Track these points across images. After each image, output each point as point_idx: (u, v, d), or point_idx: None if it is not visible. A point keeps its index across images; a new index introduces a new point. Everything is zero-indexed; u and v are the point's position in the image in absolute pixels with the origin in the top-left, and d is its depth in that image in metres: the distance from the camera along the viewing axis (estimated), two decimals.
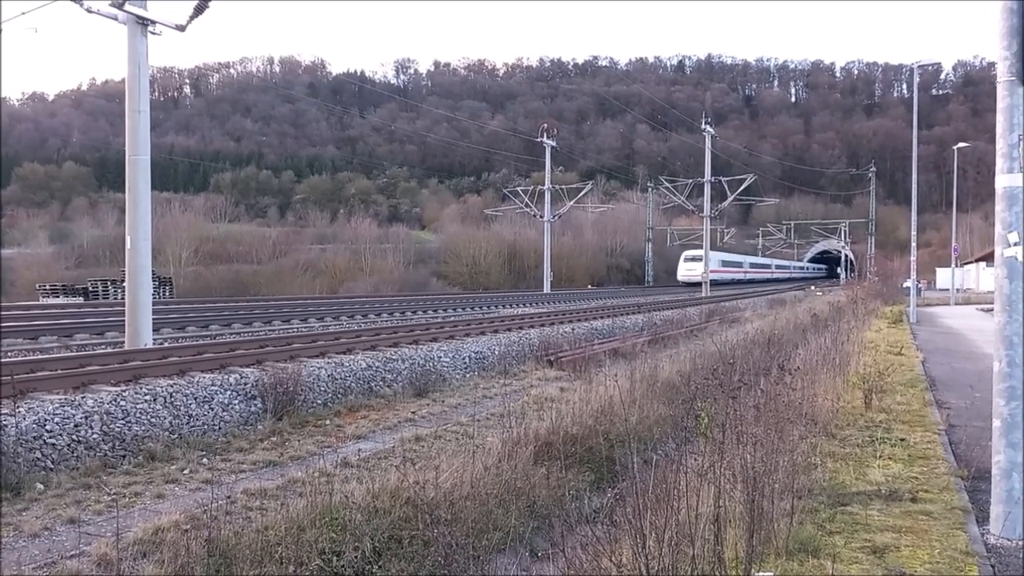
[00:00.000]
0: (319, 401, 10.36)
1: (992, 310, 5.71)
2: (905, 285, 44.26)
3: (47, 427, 7.23)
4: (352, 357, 12.31)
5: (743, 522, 4.45)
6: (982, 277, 66.44)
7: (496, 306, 30.34)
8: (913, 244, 31.34)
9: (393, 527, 5.03)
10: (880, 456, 7.20)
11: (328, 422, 9.40)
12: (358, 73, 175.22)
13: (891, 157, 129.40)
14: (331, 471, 6.45)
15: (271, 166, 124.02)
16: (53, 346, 13.74)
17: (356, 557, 4.74)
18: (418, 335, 15.50)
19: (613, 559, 4.12)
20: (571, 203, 55.33)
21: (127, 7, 12.76)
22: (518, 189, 56.33)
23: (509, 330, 18.23)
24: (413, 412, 10.25)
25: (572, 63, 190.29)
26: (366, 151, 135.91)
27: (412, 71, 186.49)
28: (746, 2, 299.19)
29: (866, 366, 11.65)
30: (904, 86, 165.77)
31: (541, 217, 50.47)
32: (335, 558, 4.70)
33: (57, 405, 7.65)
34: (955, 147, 46.30)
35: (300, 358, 11.74)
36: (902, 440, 7.93)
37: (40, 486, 6.40)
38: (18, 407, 7.24)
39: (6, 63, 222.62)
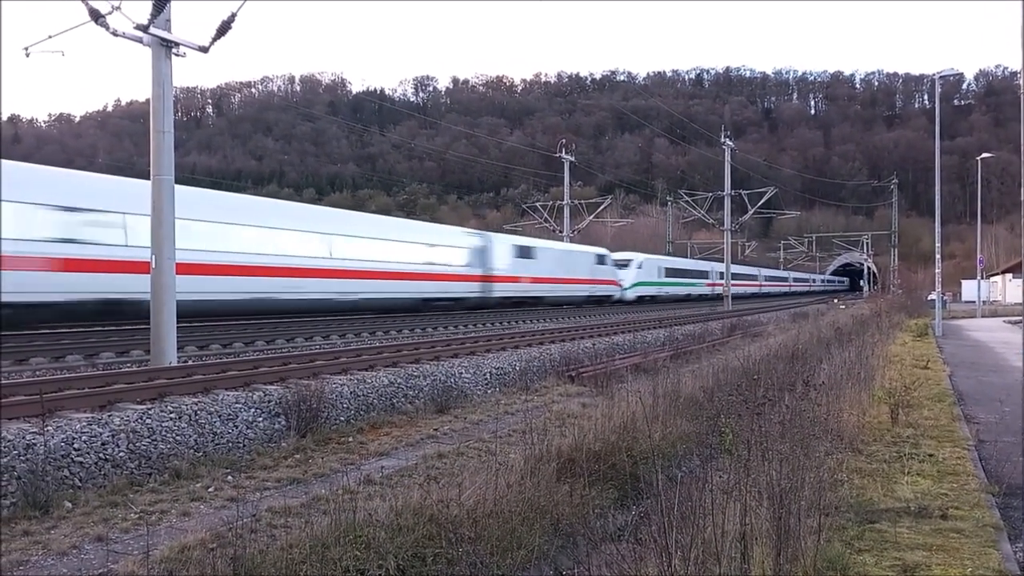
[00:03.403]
0: (342, 418, 10.39)
1: (1019, 322, 5.64)
2: (930, 298, 43.79)
3: (75, 445, 7.30)
4: (374, 374, 12.35)
5: (770, 540, 4.40)
6: (1009, 289, 65.60)
7: (516, 321, 30.34)
8: (937, 256, 31.00)
9: (417, 545, 5.02)
10: (908, 472, 7.10)
11: (351, 439, 9.42)
12: (378, 91, 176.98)
13: (913, 168, 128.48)
14: (354, 488, 6.47)
15: (292, 184, 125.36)
16: (79, 364, 13.90)
17: (380, 575, 4.74)
18: (439, 351, 15.53)
19: None
20: (590, 218, 55.29)
21: (152, 30, 12.96)
22: (537, 204, 56.42)
23: (530, 345, 18.21)
24: (435, 429, 10.25)
25: (590, 78, 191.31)
26: (386, 168, 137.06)
27: (431, 88, 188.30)
28: (765, 15, 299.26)
29: (892, 380, 11.51)
30: (925, 96, 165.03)
31: (560, 232, 50.49)
32: None
33: (84, 423, 7.73)
34: (978, 158, 45.93)
35: (323, 375, 11.80)
36: (931, 456, 7.82)
37: (68, 504, 6.45)
38: (47, 426, 7.33)
39: (34, 86, 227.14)
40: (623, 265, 48.41)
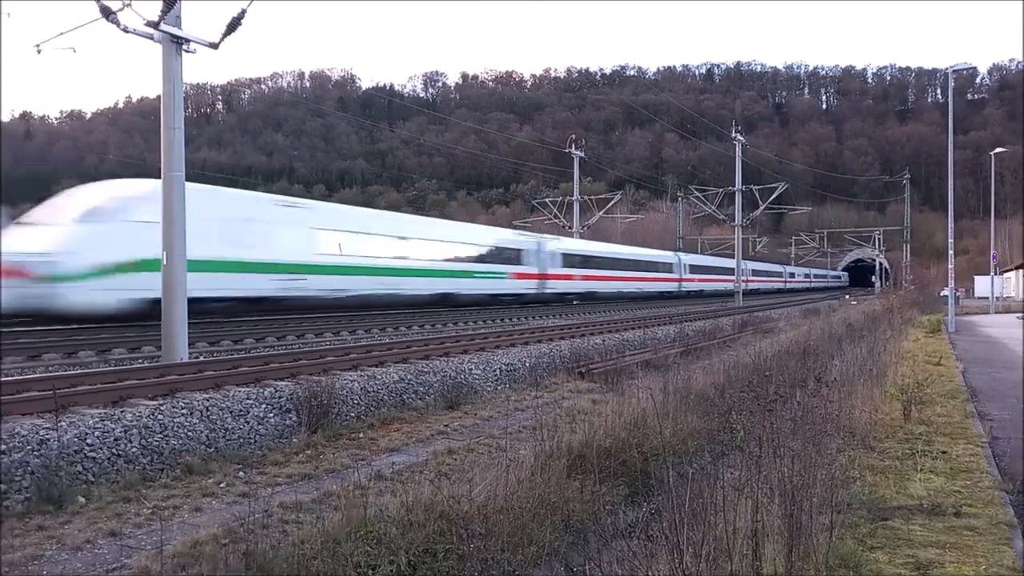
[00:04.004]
0: (352, 414, 10.41)
1: None
2: (942, 293, 43.54)
3: (88, 441, 7.35)
4: (384, 370, 12.36)
5: (781, 537, 4.39)
6: (1022, 285, 65.09)
7: (526, 317, 30.31)
8: (950, 251, 30.80)
9: (428, 541, 5.03)
10: (921, 469, 7.06)
11: (362, 435, 9.44)
12: (387, 87, 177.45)
13: (925, 163, 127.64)
14: (365, 484, 6.48)
15: (302, 180, 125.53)
16: (92, 361, 13.98)
17: (391, 571, 4.75)
18: (449, 347, 15.53)
19: (650, 574, 4.09)
20: (600, 213, 55.19)
21: (162, 27, 12.99)
22: (547, 200, 56.38)
23: (539, 342, 18.19)
24: (445, 425, 10.26)
25: (600, 73, 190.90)
26: (395, 164, 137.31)
27: (440, 84, 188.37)
28: (775, 9, 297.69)
29: (904, 377, 11.45)
30: (938, 91, 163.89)
31: (570, 228, 50.42)
32: (371, 572, 4.72)
33: (97, 419, 7.77)
34: (992, 152, 45.59)
35: (333, 371, 11.82)
36: (943, 453, 7.77)
37: (82, 499, 6.50)
38: (60, 421, 7.37)
39: (45, 83, 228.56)
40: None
